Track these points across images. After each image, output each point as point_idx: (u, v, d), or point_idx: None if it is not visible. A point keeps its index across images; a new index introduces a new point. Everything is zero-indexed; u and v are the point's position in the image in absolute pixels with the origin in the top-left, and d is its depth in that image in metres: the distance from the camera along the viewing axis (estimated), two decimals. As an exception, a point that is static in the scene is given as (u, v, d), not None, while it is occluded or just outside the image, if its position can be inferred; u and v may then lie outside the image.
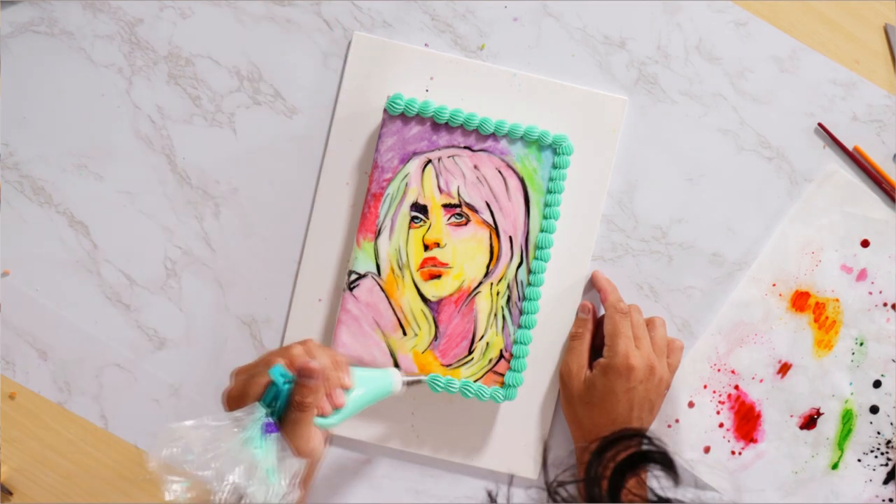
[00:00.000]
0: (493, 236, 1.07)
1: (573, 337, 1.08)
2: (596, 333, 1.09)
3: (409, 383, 1.01)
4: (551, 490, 0.75)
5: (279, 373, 0.88)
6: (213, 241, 1.11)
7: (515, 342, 1.07)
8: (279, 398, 0.88)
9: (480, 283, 1.07)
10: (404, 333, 1.07)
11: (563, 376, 1.08)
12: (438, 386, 1.06)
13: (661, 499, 0.74)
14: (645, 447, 0.75)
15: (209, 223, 1.11)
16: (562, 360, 1.09)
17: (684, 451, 1.12)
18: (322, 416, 0.92)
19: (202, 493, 0.84)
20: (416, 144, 1.07)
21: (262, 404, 0.88)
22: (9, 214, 1.11)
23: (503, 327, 1.07)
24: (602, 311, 1.10)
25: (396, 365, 1.07)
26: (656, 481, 0.75)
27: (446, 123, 1.07)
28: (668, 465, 0.74)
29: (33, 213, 1.11)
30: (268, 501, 0.84)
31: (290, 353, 0.92)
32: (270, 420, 0.87)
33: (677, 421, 1.11)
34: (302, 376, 0.88)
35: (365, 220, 1.07)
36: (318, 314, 1.10)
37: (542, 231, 1.07)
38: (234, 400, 0.90)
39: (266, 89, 1.10)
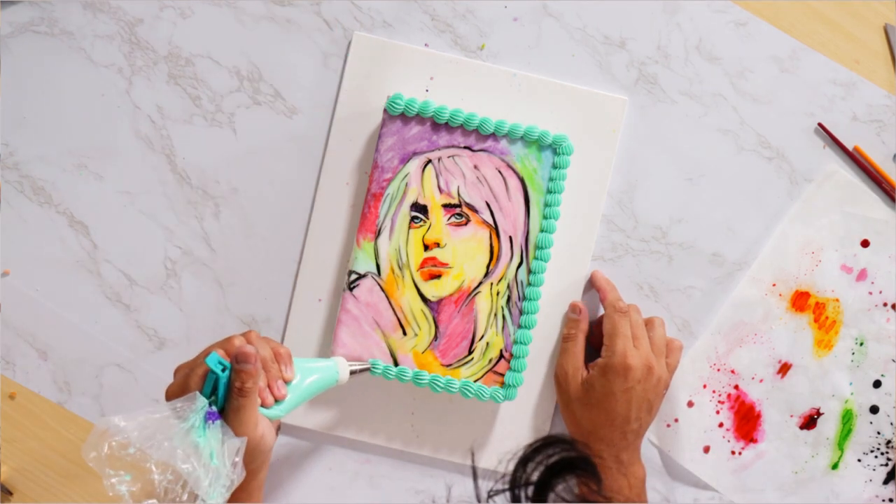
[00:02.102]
0: (493, 236, 1.07)
1: (566, 338, 1.08)
2: (594, 333, 1.09)
3: (355, 372, 1.02)
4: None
5: (215, 360, 0.88)
6: (213, 241, 1.11)
7: (515, 342, 1.07)
8: (219, 386, 0.88)
9: (480, 283, 1.07)
10: (404, 333, 1.07)
11: (559, 378, 1.08)
12: (438, 386, 1.06)
13: (583, 499, 0.74)
14: (566, 454, 0.74)
15: (209, 223, 1.11)
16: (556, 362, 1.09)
17: (684, 451, 1.12)
18: (264, 406, 0.92)
19: (146, 483, 0.84)
20: (416, 144, 1.07)
21: (203, 394, 0.88)
22: (9, 214, 1.11)
23: (503, 327, 1.07)
24: (601, 311, 1.10)
25: (396, 364, 1.07)
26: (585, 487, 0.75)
27: (446, 123, 1.07)
28: (590, 470, 0.74)
29: (33, 213, 1.11)
30: (211, 484, 0.83)
31: (227, 342, 0.92)
32: (212, 409, 0.87)
33: (676, 420, 1.12)
34: (238, 362, 0.88)
35: (365, 220, 1.07)
36: (318, 314, 1.10)
37: (542, 231, 1.07)
38: (175, 395, 0.90)
39: (266, 89, 1.10)
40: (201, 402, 0.87)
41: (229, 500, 0.91)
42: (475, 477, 0.78)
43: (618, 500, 1.02)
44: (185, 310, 1.11)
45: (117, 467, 0.84)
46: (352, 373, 1.02)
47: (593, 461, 0.74)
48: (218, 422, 0.87)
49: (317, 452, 1.11)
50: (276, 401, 0.94)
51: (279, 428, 1.03)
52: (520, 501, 0.73)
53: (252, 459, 0.91)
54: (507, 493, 0.74)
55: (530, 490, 0.73)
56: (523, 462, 0.74)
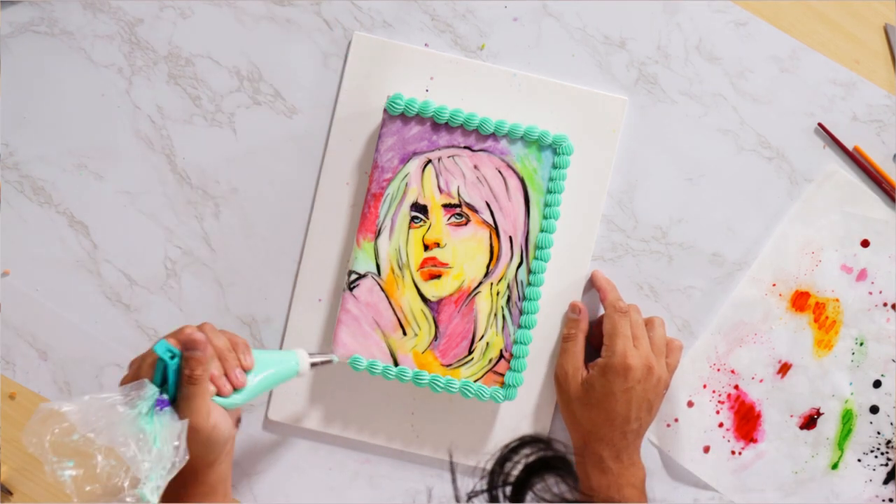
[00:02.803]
0: (493, 236, 1.07)
1: (566, 338, 1.08)
2: (594, 333, 1.09)
3: (315, 364, 1.01)
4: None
5: (164, 348, 0.87)
6: (213, 241, 1.11)
7: (515, 342, 1.07)
8: (168, 374, 0.88)
9: (480, 283, 1.07)
10: (404, 333, 1.07)
11: (559, 378, 1.08)
12: (438, 386, 1.06)
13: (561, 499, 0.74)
14: (543, 453, 0.74)
15: (209, 223, 1.11)
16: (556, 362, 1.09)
17: (683, 451, 1.12)
18: (221, 395, 0.92)
19: (88, 469, 0.83)
20: (416, 144, 1.07)
21: (154, 382, 0.87)
22: (9, 214, 1.11)
23: (503, 327, 1.07)
24: (601, 311, 1.10)
25: (396, 364, 1.07)
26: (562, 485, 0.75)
27: (446, 123, 1.07)
28: (567, 469, 0.74)
29: (33, 213, 1.11)
30: (153, 468, 0.83)
31: (179, 332, 0.91)
32: (163, 396, 0.87)
33: (676, 420, 1.11)
34: (187, 349, 0.87)
35: (365, 220, 1.07)
36: (318, 314, 1.10)
37: (542, 231, 1.07)
38: None
39: (266, 89, 1.10)
40: (150, 389, 0.86)
41: (187, 496, 0.91)
42: (454, 477, 0.78)
43: (616, 499, 1.02)
44: (185, 310, 1.11)
45: (61, 454, 0.83)
46: (312, 365, 1.00)
47: (570, 459, 0.74)
48: (168, 409, 0.86)
49: (317, 452, 1.11)
50: (235, 390, 0.93)
51: (239, 420, 1.02)
52: (498, 502, 0.73)
53: (207, 451, 0.91)
54: (486, 494, 0.74)
55: (508, 490, 0.73)
56: (501, 462, 0.74)
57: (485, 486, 0.74)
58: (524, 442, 0.75)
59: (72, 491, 0.83)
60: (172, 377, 0.88)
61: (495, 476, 0.74)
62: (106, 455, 0.83)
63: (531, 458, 0.74)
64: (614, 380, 1.03)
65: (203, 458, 0.91)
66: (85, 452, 0.83)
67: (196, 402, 0.88)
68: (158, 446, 0.84)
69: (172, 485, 0.86)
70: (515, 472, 0.73)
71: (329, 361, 1.03)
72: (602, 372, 1.04)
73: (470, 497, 0.74)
